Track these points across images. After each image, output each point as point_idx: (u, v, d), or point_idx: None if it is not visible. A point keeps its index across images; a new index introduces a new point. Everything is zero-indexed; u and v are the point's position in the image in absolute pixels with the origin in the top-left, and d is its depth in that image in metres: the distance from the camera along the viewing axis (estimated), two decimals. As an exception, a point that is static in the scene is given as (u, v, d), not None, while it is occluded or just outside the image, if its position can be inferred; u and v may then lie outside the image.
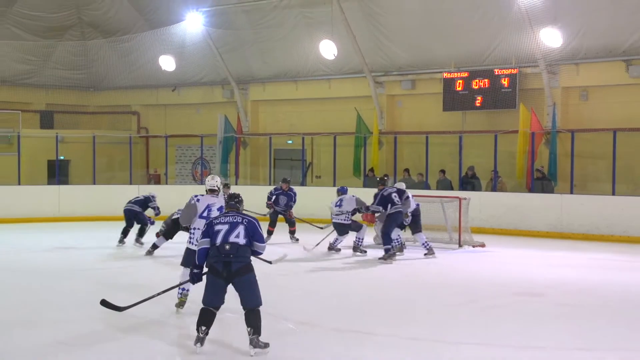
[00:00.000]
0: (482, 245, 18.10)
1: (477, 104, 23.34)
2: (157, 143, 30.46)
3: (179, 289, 10.73)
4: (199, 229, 10.76)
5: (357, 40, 24.84)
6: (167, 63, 29.55)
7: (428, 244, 16.71)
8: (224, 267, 8.88)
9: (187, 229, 11.30)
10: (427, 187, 22.92)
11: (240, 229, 9.07)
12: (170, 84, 30.52)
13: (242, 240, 8.98)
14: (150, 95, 31.38)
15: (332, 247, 17.49)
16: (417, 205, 17.22)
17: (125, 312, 9.68)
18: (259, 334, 8.73)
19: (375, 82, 25.51)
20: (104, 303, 9.71)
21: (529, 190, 22.14)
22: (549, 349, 9.15)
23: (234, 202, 9.53)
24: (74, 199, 25.00)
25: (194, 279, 9.19)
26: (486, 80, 23.12)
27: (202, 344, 8.74)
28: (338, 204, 17.45)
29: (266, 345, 8.74)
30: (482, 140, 23.22)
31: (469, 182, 22.71)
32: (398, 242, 16.70)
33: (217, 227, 9.07)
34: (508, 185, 22.89)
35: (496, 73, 22.99)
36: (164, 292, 9.89)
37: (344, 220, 17.22)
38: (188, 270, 10.27)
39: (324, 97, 27.05)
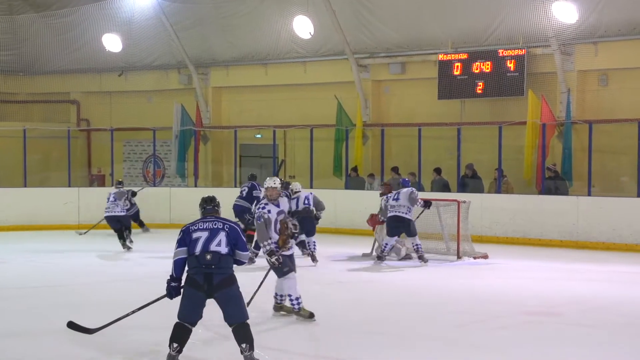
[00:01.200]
0: (485, 257, 18.19)
1: (478, 91, 23.43)
2: (101, 137, 30.48)
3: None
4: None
5: (337, 16, 24.86)
6: (113, 43, 29.69)
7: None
8: (205, 279, 8.99)
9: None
10: (421, 189, 22.49)
11: (222, 236, 9.14)
12: (116, 68, 30.51)
13: (224, 249, 9.05)
14: (92, 81, 31.25)
15: (382, 256, 17.73)
16: None
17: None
18: (253, 349, 8.96)
19: (359, 66, 25.57)
20: (71, 325, 9.81)
21: (539, 192, 22.21)
22: None
23: (211, 206, 9.57)
24: (2, 204, 24.88)
25: (172, 293, 9.20)
26: (489, 62, 23.23)
27: None
28: (395, 197, 17.60)
29: None
30: (484, 133, 23.34)
31: (468, 182, 22.73)
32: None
33: (196, 235, 9.12)
34: (514, 185, 22.98)
35: (500, 54, 23.10)
36: (139, 309, 9.88)
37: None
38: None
39: (298, 83, 27.18)
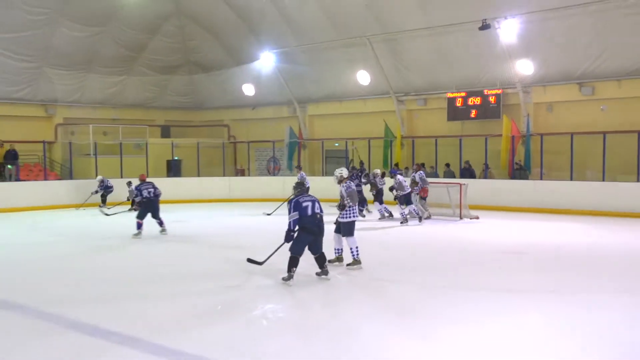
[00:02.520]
0: (477, 218, 18.15)
1: (472, 116, 23.35)
2: (242, 147, 30.61)
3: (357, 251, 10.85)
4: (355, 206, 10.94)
5: (384, 70, 25.02)
6: (248, 89, 29.92)
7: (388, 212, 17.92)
8: (318, 228, 9.66)
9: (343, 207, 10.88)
10: (437, 176, 22.96)
11: (317, 204, 9.80)
12: (250, 104, 30.66)
13: (320, 212, 9.79)
14: (237, 112, 31.51)
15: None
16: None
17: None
18: (327, 272, 9.89)
19: (398, 101, 25.60)
20: (249, 260, 10.31)
21: (510, 177, 22.11)
22: (528, 292, 9.21)
23: (305, 188, 10.12)
24: (185, 188, 25.49)
25: (289, 239, 9.55)
26: (479, 98, 23.15)
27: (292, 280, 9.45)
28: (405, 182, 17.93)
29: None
30: (476, 142, 23.10)
31: (466, 172, 22.76)
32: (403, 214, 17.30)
33: (305, 204, 9.62)
34: (495, 174, 22.90)
35: (485, 93, 23.03)
36: (275, 251, 10.13)
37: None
38: (354, 239, 10.76)
39: (360, 112, 27.08)
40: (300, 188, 10.07)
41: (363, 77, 25.99)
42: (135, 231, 15.07)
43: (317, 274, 9.96)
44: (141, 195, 15.17)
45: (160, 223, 15.52)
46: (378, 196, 18.69)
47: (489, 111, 22.96)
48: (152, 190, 15.29)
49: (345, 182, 11.16)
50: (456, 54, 23.26)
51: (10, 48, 24.81)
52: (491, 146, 22.55)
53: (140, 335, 7.12)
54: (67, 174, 26.16)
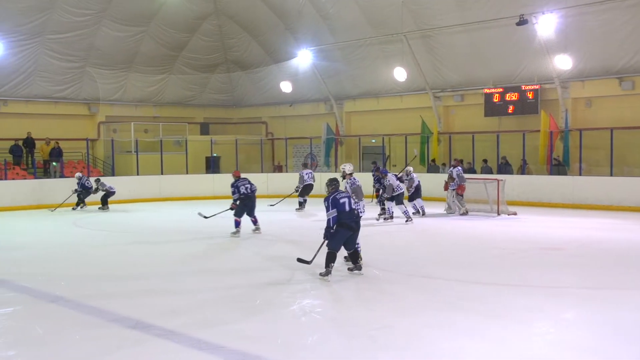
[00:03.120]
0: (515, 214, 17.92)
1: (510, 111, 23.12)
2: (279, 143, 30.74)
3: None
4: (361, 201, 11.02)
5: (420, 66, 24.89)
6: (286, 86, 29.97)
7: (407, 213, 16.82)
8: (355, 224, 9.64)
9: None
10: (474, 172, 22.71)
11: (352, 200, 9.80)
12: (288, 101, 30.76)
13: (355, 207, 9.81)
14: (274, 110, 31.69)
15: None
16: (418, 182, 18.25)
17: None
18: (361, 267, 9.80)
19: (435, 97, 25.45)
20: (298, 260, 10.02)
21: (548, 173, 21.81)
22: (567, 288, 9.13)
23: (337, 184, 9.99)
24: (224, 183, 24.78)
25: (328, 236, 9.57)
26: (516, 94, 22.90)
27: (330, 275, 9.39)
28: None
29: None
30: (513, 138, 22.90)
31: (503, 167, 22.52)
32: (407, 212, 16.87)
33: (342, 200, 9.59)
34: (533, 169, 22.58)
35: (523, 88, 22.76)
36: (319, 249, 9.98)
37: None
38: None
39: (397, 108, 26.99)
40: (335, 185, 9.98)
41: (399, 74, 25.87)
42: (234, 229, 14.36)
43: (350, 269, 9.91)
44: (239, 192, 14.32)
45: (255, 221, 14.76)
46: (414, 194, 18.37)
47: (527, 107, 22.68)
48: (248, 186, 14.45)
49: (350, 178, 11.41)
50: (493, 49, 23.05)
51: (55, 49, 25.34)
52: (529, 142, 22.26)
53: (180, 329, 7.16)
54: (110, 170, 26.55)
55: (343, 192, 9.88)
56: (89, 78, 27.22)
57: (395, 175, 17.37)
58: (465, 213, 18.09)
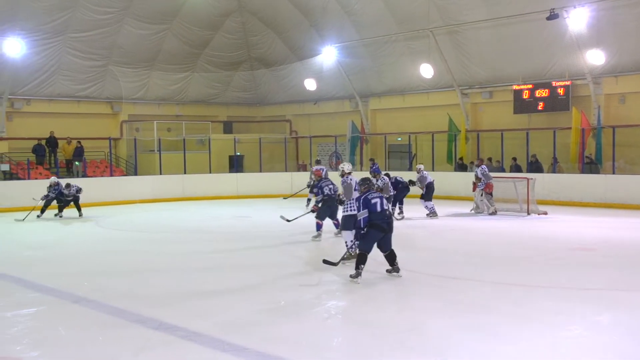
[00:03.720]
0: (545, 213, 17.77)
1: (540, 108, 22.90)
2: (304, 142, 30.75)
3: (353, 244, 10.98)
4: (354, 199, 11.00)
5: (447, 63, 24.74)
6: (310, 84, 30.03)
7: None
8: (387, 225, 9.44)
9: (342, 202, 11.72)
10: (503, 171, 22.62)
11: (384, 200, 9.68)
12: (312, 99, 30.81)
13: (388, 208, 9.72)
14: (298, 108, 31.73)
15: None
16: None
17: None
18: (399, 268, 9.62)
19: (462, 94, 25.29)
20: (325, 261, 9.94)
21: (580, 172, 21.59)
22: (600, 290, 9.03)
23: (367, 184, 9.90)
24: (247, 183, 25.78)
25: (360, 237, 9.46)
26: (546, 90, 22.68)
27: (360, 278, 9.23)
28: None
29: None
30: (543, 135, 22.67)
31: (533, 166, 22.29)
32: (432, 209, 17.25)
33: (374, 201, 9.45)
34: (564, 168, 22.38)
35: (554, 85, 22.52)
36: (348, 251, 10.12)
37: None
38: (350, 233, 10.38)
39: (423, 105, 26.84)
40: (367, 184, 9.88)
41: (426, 71, 25.75)
42: (315, 233, 13.64)
43: (388, 271, 9.75)
44: (322, 192, 13.45)
45: (338, 224, 13.70)
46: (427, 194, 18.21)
47: (558, 103, 22.44)
48: (332, 186, 13.57)
49: (345, 177, 11.75)
50: (522, 45, 22.85)
51: (77, 47, 25.58)
52: (560, 139, 22.04)
53: (204, 330, 7.18)
54: (132, 169, 26.76)
55: (375, 192, 9.75)
56: (112, 76, 27.44)
57: (396, 178, 17.24)
58: (494, 213, 17.97)
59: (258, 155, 27.21)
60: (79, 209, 19.29)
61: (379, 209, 9.46)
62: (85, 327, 7.46)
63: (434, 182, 18.15)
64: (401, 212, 17.46)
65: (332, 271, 10.01)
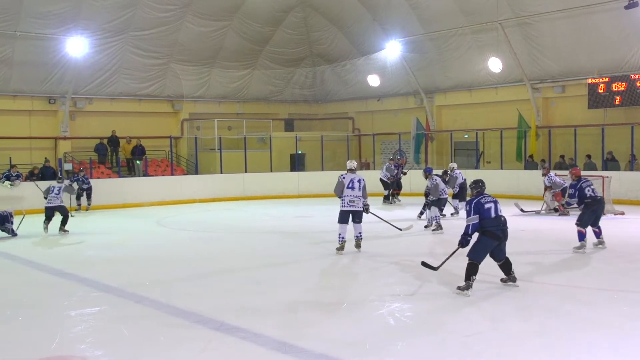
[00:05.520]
0: (622, 214, 17.38)
1: (616, 102, 22.24)
2: (367, 140, 30.65)
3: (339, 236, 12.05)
4: (347, 196, 12.15)
5: (517, 56, 24.31)
6: (373, 80, 29.94)
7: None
8: (502, 233, 8.89)
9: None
10: (576, 169, 22.18)
11: (498, 205, 9.02)
12: (375, 96, 30.73)
13: (502, 213, 9.01)
14: (361, 104, 31.70)
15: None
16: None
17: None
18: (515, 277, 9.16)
19: (533, 88, 24.84)
20: (423, 264, 9.63)
21: (662, 170, 21.01)
22: None
23: (479, 187, 9.24)
24: (309, 182, 25.93)
25: (465, 244, 8.98)
26: (624, 83, 21.99)
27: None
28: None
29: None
30: (620, 131, 22.08)
31: (609, 164, 21.74)
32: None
33: (487, 205, 8.86)
34: (643, 166, 21.82)
35: (632, 77, 21.83)
36: (450, 256, 9.46)
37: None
38: (344, 226, 11.93)
39: (492, 101, 26.52)
40: (480, 187, 9.27)
41: (494, 65, 25.40)
42: (577, 244, 12.14)
43: (503, 280, 9.28)
44: (583, 195, 12.13)
45: (599, 233, 12.44)
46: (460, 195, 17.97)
47: (636, 97, 21.78)
48: (594, 187, 12.35)
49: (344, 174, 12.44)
50: (597, 36, 22.30)
51: (139, 45, 26.21)
52: (638, 135, 21.46)
53: (264, 330, 7.29)
54: (193, 168, 27.25)
55: (489, 196, 9.11)
56: (173, 75, 28.02)
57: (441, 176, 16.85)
58: (567, 213, 17.57)
59: (320, 153, 27.34)
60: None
61: (492, 214, 8.89)
62: (146, 328, 7.66)
63: (467, 182, 17.49)
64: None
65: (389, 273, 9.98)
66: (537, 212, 18.29)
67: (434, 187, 15.68)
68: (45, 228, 15.92)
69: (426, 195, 16.04)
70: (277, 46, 29.66)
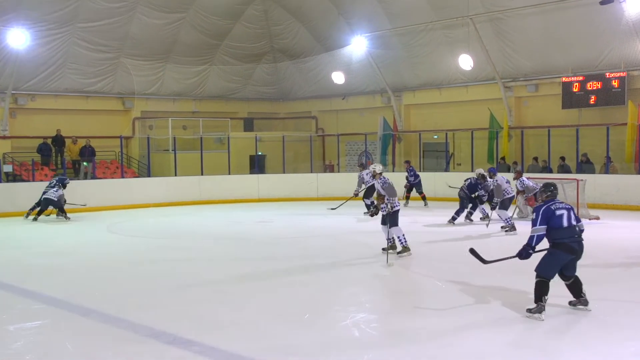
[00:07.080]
0: (597, 218, 17.55)
1: (591, 102, 22.64)
2: (331, 140, 30.67)
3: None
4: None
5: (489, 53, 24.56)
6: (338, 77, 29.81)
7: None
8: (579, 246, 8.12)
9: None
10: (550, 171, 22.43)
11: (572, 213, 8.22)
12: (340, 94, 30.67)
13: (576, 222, 8.19)
14: (325, 103, 31.69)
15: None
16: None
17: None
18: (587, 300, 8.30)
19: (505, 87, 25.11)
20: (472, 252, 9.04)
21: (636, 172, 21.31)
22: None
23: (551, 191, 8.36)
24: (270, 185, 25.78)
25: (525, 256, 8.20)
26: (599, 82, 22.41)
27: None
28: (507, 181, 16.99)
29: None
30: (595, 132, 22.42)
31: (584, 166, 22.05)
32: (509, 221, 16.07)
33: (559, 212, 8.04)
34: (619, 168, 22.12)
35: (607, 76, 22.26)
36: (504, 259, 8.94)
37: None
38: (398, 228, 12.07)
39: (462, 100, 26.74)
40: (551, 192, 8.40)
41: (465, 62, 25.57)
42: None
43: (572, 303, 8.44)
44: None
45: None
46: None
47: (611, 97, 22.21)
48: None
49: (380, 178, 12.24)
50: (572, 33, 22.67)
51: (86, 38, 25.77)
52: (614, 136, 21.79)
53: (222, 344, 7.22)
54: (145, 171, 26.95)
55: (561, 202, 8.33)
56: (123, 70, 27.65)
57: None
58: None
59: (281, 155, 27.24)
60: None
61: (565, 223, 8.06)
62: (93, 342, 7.51)
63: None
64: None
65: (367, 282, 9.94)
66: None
67: (496, 187, 16.31)
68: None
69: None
70: (236, 41, 29.50)
